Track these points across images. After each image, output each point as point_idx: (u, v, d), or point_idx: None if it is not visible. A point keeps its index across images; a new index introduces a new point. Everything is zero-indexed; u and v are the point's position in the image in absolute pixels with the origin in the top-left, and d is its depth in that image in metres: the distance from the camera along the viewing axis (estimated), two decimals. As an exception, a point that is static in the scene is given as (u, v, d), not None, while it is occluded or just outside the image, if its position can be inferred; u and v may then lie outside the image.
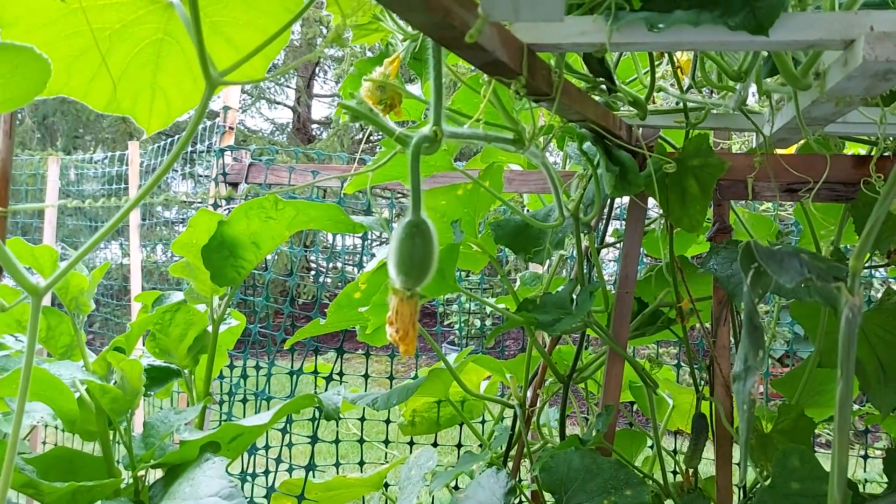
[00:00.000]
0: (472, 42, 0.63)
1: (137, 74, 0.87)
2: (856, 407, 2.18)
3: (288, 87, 14.60)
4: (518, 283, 2.15)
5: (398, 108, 0.95)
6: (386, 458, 2.25)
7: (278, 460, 2.09)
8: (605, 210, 1.70)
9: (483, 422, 2.23)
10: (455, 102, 1.36)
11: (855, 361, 1.69)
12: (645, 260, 2.36)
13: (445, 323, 7.38)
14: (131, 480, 1.24)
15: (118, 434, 1.27)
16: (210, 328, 1.46)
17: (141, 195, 0.71)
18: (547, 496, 1.36)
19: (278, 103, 15.00)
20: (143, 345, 1.54)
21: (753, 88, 1.17)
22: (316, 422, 2.00)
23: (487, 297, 2.59)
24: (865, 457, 2.36)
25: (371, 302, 1.33)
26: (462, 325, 6.74)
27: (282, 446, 2.11)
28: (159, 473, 1.23)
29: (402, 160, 1.07)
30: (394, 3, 0.54)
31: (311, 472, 2.13)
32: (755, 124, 1.23)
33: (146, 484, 1.25)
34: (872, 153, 1.52)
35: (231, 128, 2.55)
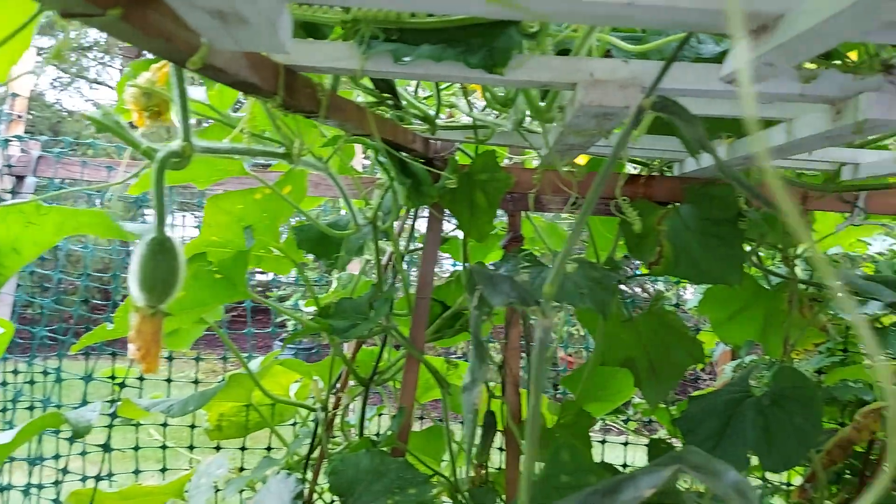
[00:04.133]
0: (207, 64, 0.63)
1: None
2: (636, 399, 2.40)
3: (111, 66, 13.61)
4: (335, 284, 2.16)
5: (165, 115, 0.93)
6: (191, 463, 2.17)
7: (65, 470, 1.96)
8: (412, 217, 1.75)
9: (294, 424, 2.23)
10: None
11: (627, 360, 1.84)
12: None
13: (278, 321, 7.23)
14: None
15: None
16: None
17: None
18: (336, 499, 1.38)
19: (100, 83, 13.92)
20: None
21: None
22: (110, 429, 1.89)
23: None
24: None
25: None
26: (297, 323, 6.63)
27: (69, 455, 1.99)
28: None
29: (198, 163, 1.05)
30: (113, 30, 0.53)
31: (108, 482, 2.03)
32: (531, 143, 1.31)
33: None
34: (642, 172, 1.68)
35: (20, 116, 2.34)
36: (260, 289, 6.57)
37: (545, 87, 0.81)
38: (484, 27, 0.77)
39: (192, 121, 0.77)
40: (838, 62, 0.75)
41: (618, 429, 2.63)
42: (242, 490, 1.56)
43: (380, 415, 2.31)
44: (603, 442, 2.42)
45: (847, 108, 0.76)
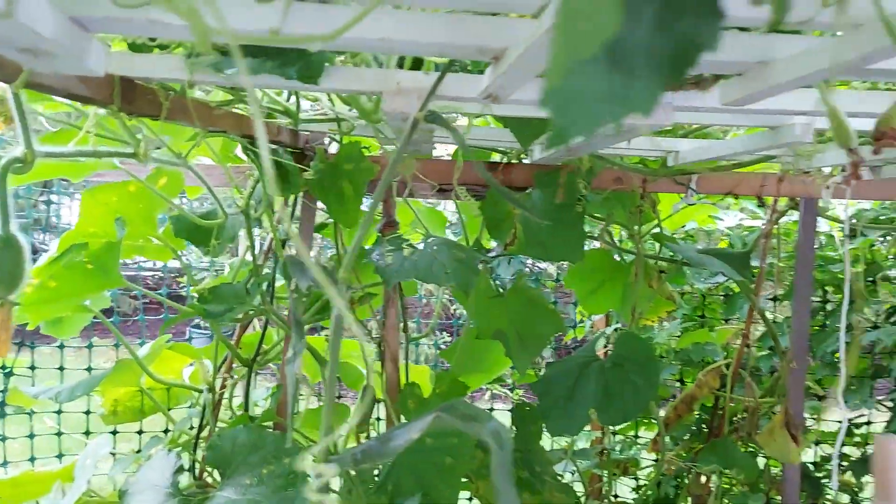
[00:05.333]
0: (35, 83, 0.71)
1: None
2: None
3: None
4: (227, 270, 2.23)
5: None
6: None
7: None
8: (292, 205, 1.84)
9: (191, 406, 2.29)
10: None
11: (498, 333, 1.98)
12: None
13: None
14: None
15: None
16: None
17: None
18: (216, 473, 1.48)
19: None
20: None
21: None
22: (2, 418, 1.92)
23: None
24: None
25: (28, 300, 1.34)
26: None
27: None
28: None
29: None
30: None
31: (3, 469, 2.05)
32: (386, 136, 1.42)
33: None
34: (502, 160, 1.82)
35: None
36: (173, 275, 6.51)
37: (359, 94, 0.92)
38: (301, 42, 0.88)
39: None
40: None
41: (504, 397, 2.81)
42: (126, 470, 1.63)
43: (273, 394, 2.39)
44: (491, 409, 2.60)
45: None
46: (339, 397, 2.60)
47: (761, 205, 1.78)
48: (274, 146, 1.50)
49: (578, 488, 2.21)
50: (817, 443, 2.36)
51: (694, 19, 0.29)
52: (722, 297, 2.32)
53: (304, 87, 0.90)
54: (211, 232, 1.65)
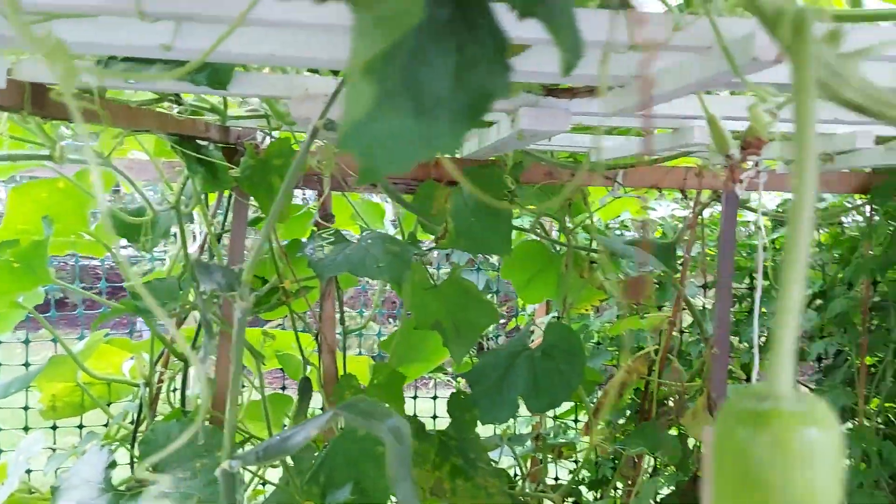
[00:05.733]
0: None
1: None
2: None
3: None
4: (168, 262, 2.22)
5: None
6: (24, 445, 2.20)
7: None
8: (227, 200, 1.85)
9: (132, 400, 2.29)
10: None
11: (436, 323, 2.02)
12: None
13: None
14: None
15: None
16: None
17: None
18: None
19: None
20: None
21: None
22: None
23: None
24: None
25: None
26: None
27: None
28: None
29: None
30: None
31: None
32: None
33: None
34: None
35: None
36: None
37: (270, 99, 0.94)
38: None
39: None
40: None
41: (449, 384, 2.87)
42: (63, 466, 1.64)
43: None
44: (434, 398, 2.64)
45: (515, 118, 0.94)
46: (284, 388, 2.62)
47: (685, 197, 1.85)
48: (204, 142, 1.51)
49: (519, 472, 2.28)
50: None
51: (486, 74, 0.33)
52: (656, 285, 2.40)
53: (215, 91, 0.92)
54: (141, 227, 1.66)
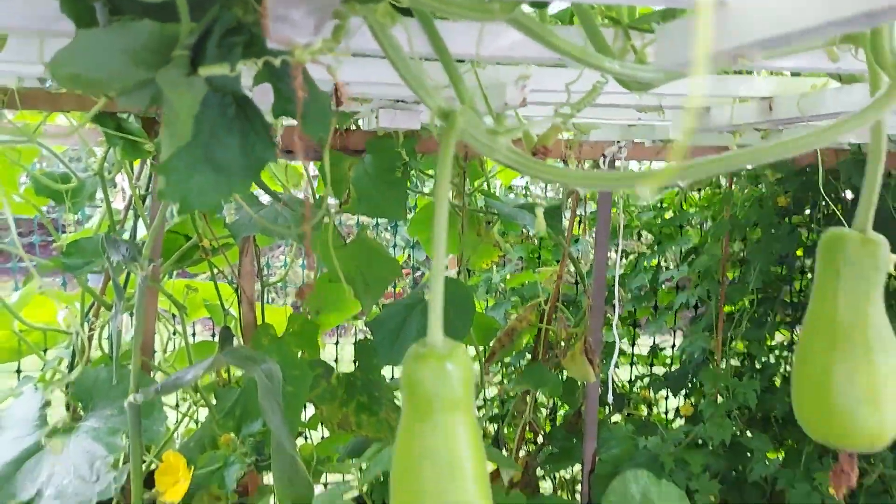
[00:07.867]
0: None
1: None
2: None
3: None
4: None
5: None
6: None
7: None
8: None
9: (67, 347, 2.44)
10: None
11: (348, 277, 2.22)
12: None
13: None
14: None
15: None
16: None
17: None
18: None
19: None
20: None
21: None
22: None
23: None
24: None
25: None
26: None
27: None
28: None
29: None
30: None
31: None
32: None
33: None
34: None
35: None
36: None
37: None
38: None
39: None
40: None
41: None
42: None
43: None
44: (355, 343, 2.89)
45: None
46: (214, 336, 2.81)
47: (566, 165, 2.07)
48: (123, 114, 1.66)
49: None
50: (632, 364, 2.78)
51: (261, 148, 0.53)
52: (553, 243, 2.65)
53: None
54: (74, 192, 1.81)
